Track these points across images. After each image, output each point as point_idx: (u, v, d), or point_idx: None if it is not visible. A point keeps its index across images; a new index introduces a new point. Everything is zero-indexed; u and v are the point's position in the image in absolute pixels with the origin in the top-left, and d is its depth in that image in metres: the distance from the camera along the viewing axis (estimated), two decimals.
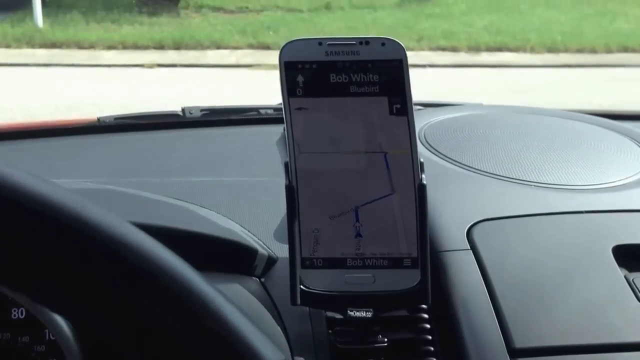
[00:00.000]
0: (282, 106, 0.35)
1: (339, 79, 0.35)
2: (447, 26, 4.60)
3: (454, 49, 4.15)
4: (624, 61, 3.91)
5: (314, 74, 0.35)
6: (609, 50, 4.15)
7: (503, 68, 3.80)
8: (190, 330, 0.22)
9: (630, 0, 5.26)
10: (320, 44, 0.35)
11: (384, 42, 0.35)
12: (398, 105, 0.35)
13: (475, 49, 4.15)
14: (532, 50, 4.14)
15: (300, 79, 0.35)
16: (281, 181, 0.36)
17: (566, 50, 4.15)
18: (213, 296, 0.23)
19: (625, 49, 4.15)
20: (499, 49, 4.15)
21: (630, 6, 5.15)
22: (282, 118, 0.35)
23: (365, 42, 0.35)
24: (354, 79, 0.35)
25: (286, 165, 0.36)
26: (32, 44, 4.16)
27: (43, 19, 4.54)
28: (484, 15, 4.93)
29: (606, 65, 3.83)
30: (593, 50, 4.15)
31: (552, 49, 4.15)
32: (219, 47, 4.16)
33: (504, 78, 3.53)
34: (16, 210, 0.22)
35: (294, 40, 0.35)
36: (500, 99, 2.67)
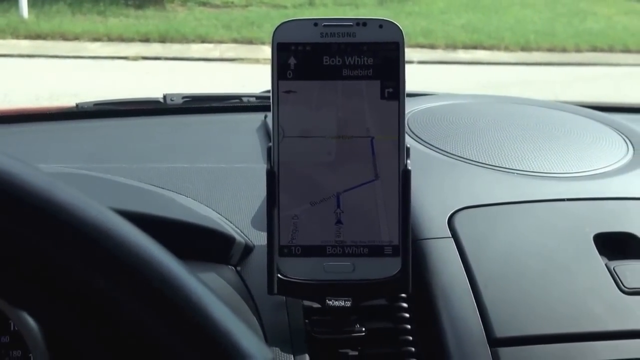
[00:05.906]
0: (271, 88, 0.35)
1: (332, 61, 0.34)
2: (426, 24, 4.73)
3: (432, 47, 4.28)
4: (592, 60, 4.09)
5: (306, 56, 0.34)
6: (578, 50, 4.32)
7: (478, 65, 3.95)
8: (170, 328, 0.20)
9: (600, 0, 5.45)
10: (315, 24, 0.34)
11: (381, 23, 0.34)
12: (390, 90, 0.34)
13: (452, 46, 4.29)
14: (506, 48, 4.29)
15: (292, 61, 0.34)
16: (261, 168, 0.35)
17: (538, 49, 4.31)
18: (198, 291, 0.20)
19: (594, 49, 4.33)
20: (475, 47, 4.29)
21: (600, 6, 5.34)
22: (265, 106, 0.37)
23: (363, 23, 0.34)
24: (347, 62, 0.34)
25: (269, 149, 0.35)
26: (16, 34, 4.18)
27: (28, 9, 4.55)
28: (461, 14, 5.07)
29: (575, 64, 4.01)
30: (563, 50, 4.32)
31: (525, 48, 4.31)
32: (203, 41, 4.24)
33: (477, 75, 3.68)
34: None
35: (288, 21, 0.34)
36: None
